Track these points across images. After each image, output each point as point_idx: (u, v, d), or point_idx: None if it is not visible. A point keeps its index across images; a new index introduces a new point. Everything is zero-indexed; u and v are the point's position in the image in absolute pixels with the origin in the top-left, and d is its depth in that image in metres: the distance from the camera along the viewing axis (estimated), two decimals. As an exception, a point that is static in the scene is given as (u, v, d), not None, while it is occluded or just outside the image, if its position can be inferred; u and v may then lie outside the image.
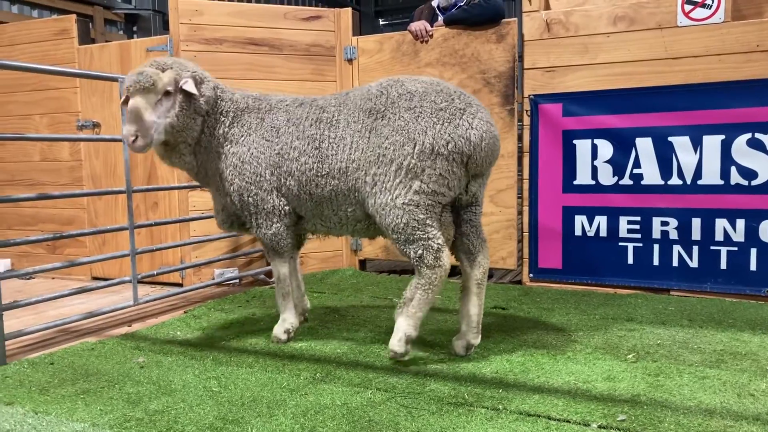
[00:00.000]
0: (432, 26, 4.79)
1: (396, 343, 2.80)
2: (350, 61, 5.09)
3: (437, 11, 5.00)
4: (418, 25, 4.78)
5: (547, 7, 4.67)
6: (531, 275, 4.48)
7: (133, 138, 2.83)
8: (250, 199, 3.05)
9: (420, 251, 2.75)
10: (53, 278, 5.10)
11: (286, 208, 3.08)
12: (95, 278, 5.04)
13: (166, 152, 3.08)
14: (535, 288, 4.35)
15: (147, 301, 4.00)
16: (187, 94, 2.93)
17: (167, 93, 2.89)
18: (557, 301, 3.96)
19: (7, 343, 3.05)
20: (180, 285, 4.71)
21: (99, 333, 3.53)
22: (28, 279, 5.08)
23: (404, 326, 2.79)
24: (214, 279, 4.59)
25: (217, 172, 3.11)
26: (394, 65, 4.96)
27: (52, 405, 2.47)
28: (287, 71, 4.96)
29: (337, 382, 2.68)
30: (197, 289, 4.42)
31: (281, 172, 3.02)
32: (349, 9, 5.15)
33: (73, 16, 5.18)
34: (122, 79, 3.90)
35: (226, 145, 3.08)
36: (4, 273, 3.24)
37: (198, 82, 2.98)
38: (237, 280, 4.76)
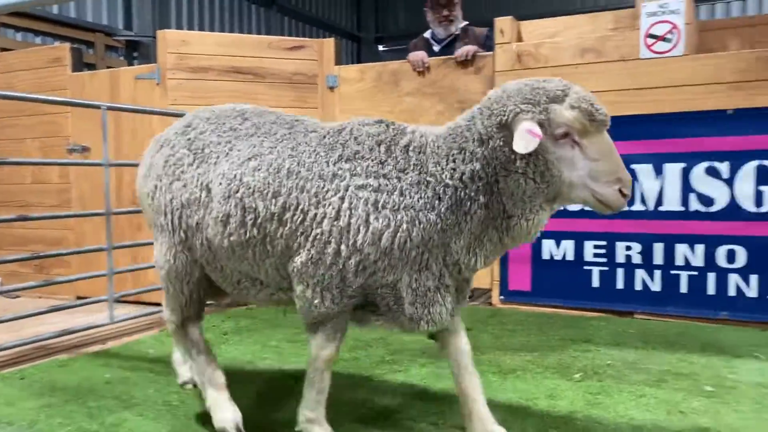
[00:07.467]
0: (429, 56, 5.00)
1: None
2: (332, 88, 5.27)
3: (432, 41, 5.23)
4: (418, 55, 4.98)
5: (519, 39, 4.84)
6: (501, 297, 4.58)
7: None
8: None
9: None
10: (39, 297, 5.22)
11: None
12: (79, 298, 5.16)
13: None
14: (504, 309, 4.45)
15: (124, 320, 4.12)
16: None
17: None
18: (522, 323, 4.05)
19: (-18, 358, 3.19)
20: (161, 305, 4.83)
21: (73, 350, 3.64)
22: (15, 298, 5.23)
23: None
24: (194, 299, 4.70)
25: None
26: (375, 94, 5.14)
27: (16, 416, 2.59)
28: (270, 98, 5.12)
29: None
30: (176, 308, 4.53)
31: None
32: (332, 39, 5.35)
33: (67, 45, 5.39)
34: (105, 106, 4.10)
35: None
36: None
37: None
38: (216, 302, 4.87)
